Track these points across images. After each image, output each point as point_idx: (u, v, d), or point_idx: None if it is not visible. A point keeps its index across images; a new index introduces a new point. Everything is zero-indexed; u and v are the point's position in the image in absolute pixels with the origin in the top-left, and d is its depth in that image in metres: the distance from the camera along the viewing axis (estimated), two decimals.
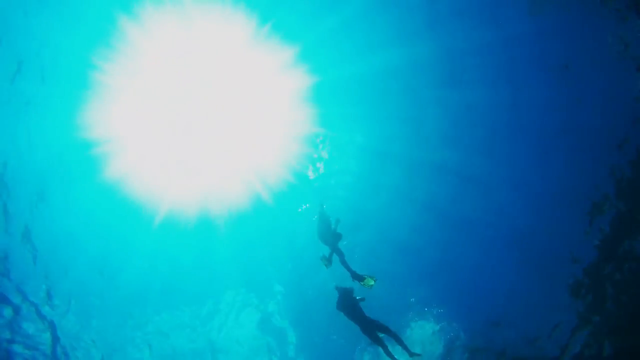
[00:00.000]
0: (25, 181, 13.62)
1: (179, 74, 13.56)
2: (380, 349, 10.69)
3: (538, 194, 15.14)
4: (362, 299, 10.52)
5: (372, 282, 10.65)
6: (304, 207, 16.43)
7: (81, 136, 13.72)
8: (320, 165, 16.13)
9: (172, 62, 13.27)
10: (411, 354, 10.67)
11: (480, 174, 15.70)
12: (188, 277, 17.57)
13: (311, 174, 16.32)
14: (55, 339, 15.40)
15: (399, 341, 10.66)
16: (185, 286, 17.67)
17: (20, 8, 11.64)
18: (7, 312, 14.30)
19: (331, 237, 10.82)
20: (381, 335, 10.42)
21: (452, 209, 16.38)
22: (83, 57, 12.62)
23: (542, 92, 13.96)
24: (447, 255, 17.03)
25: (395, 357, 10.67)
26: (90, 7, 12.03)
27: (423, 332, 17.51)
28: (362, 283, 10.76)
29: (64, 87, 12.97)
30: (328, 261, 10.86)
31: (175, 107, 14.13)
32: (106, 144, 14.06)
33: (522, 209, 15.48)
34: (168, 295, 17.60)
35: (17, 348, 14.80)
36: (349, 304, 10.26)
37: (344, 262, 10.98)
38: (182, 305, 17.83)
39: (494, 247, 16.34)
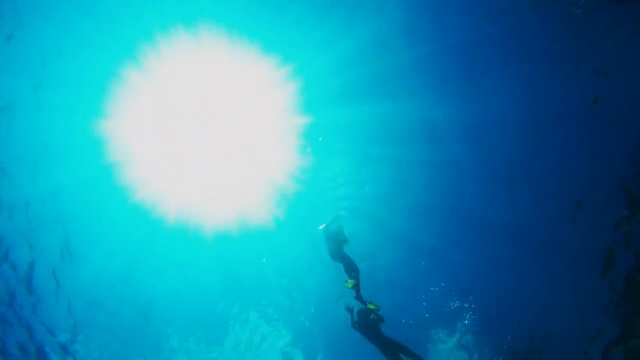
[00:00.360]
0: (49, 220, 13.97)
1: (191, 100, 13.94)
2: None
3: (562, 197, 14.65)
4: (382, 320, 10.26)
5: (373, 307, 10.35)
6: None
7: (99, 166, 14.05)
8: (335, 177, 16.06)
9: (184, 91, 13.68)
10: None
11: (501, 179, 15.32)
12: (212, 307, 17.64)
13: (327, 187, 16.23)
14: None
15: None
16: (209, 317, 17.72)
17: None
18: (31, 349, 14.51)
19: (340, 252, 10.59)
20: (404, 357, 10.10)
21: (476, 219, 15.98)
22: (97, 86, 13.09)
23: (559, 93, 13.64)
24: (473, 267, 16.62)
25: None
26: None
27: (447, 347, 17.02)
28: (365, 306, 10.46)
29: (78, 118, 13.37)
30: (355, 286, 10.61)
31: (192, 131, 14.48)
32: (124, 173, 14.39)
33: (548, 216, 15.03)
34: (193, 326, 17.66)
35: None
36: (366, 325, 10.01)
37: (349, 274, 10.69)
38: (206, 335, 17.81)
39: (521, 258, 15.85)
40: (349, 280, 10.57)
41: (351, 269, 10.65)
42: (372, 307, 10.24)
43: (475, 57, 13.80)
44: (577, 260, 14.74)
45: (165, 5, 12.15)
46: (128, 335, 16.85)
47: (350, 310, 10.41)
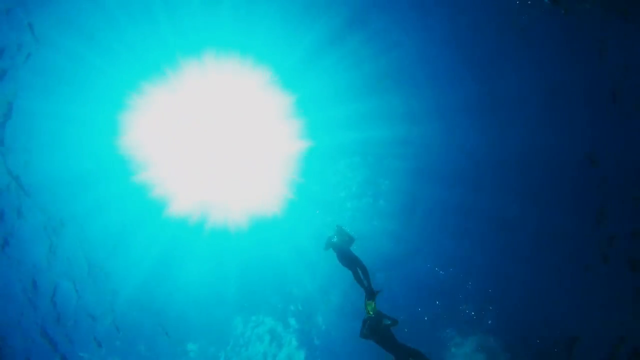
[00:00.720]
0: (71, 237, 14.27)
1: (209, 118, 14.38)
2: None
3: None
4: (395, 323, 10.08)
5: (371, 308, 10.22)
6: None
7: (120, 183, 14.40)
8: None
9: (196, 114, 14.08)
10: None
11: (522, 181, 15.12)
12: (230, 319, 17.81)
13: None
14: None
15: None
16: (227, 328, 17.86)
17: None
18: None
19: (350, 254, 10.55)
20: None
21: (496, 220, 15.79)
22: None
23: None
24: (489, 267, 16.40)
25: None
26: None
27: (463, 352, 16.72)
28: (367, 303, 10.32)
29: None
30: (373, 294, 10.47)
31: (208, 146, 14.88)
32: (145, 190, 14.74)
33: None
34: (211, 337, 17.79)
35: None
36: (379, 331, 9.85)
37: (358, 280, 10.59)
38: (223, 346, 17.92)
39: (544, 261, 15.62)
40: (369, 307, 10.45)
41: (359, 268, 10.55)
42: (370, 308, 10.11)
43: (490, 64, 13.76)
44: (600, 264, 14.40)
45: (186, 29, 12.55)
46: (148, 348, 17.04)
47: (365, 321, 10.28)
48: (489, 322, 16.59)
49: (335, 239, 10.97)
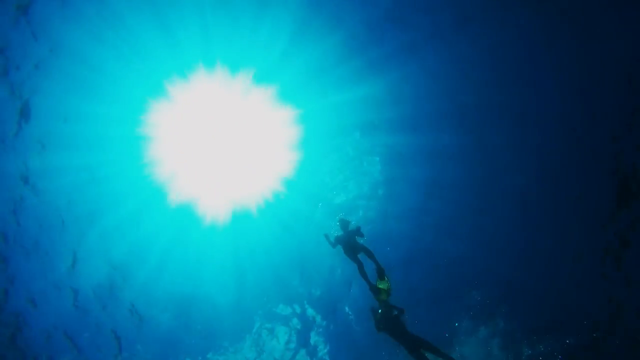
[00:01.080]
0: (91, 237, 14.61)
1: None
2: None
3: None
4: (402, 312, 9.98)
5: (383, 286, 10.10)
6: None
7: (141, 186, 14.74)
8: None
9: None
10: None
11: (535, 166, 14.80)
12: (249, 320, 17.87)
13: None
14: None
15: None
16: (247, 319, 17.90)
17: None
18: None
19: (355, 244, 10.54)
20: (429, 355, 9.77)
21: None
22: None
23: None
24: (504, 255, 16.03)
25: None
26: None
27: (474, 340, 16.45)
28: (378, 282, 10.18)
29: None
30: (382, 292, 10.39)
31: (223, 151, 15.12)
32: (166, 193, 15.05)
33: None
34: (231, 328, 17.86)
35: None
36: (390, 322, 9.78)
37: (363, 274, 10.55)
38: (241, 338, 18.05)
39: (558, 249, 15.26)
40: (380, 287, 10.35)
41: (366, 253, 10.51)
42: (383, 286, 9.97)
43: (501, 48, 13.50)
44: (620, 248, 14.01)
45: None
46: (169, 348, 17.31)
47: (375, 311, 10.24)
48: (506, 309, 16.31)
49: (340, 233, 10.97)
